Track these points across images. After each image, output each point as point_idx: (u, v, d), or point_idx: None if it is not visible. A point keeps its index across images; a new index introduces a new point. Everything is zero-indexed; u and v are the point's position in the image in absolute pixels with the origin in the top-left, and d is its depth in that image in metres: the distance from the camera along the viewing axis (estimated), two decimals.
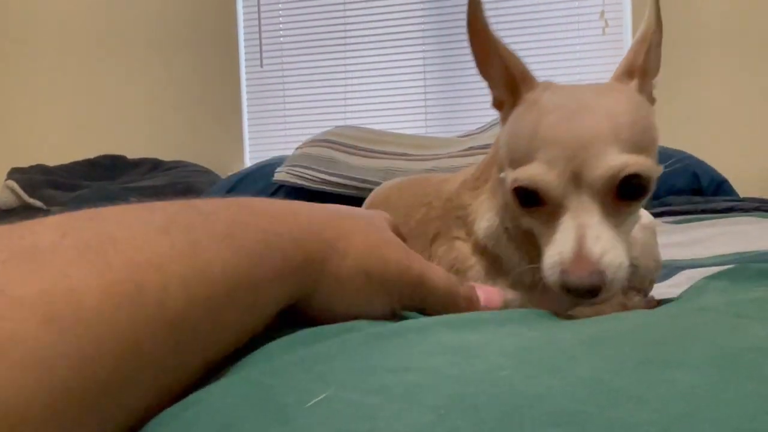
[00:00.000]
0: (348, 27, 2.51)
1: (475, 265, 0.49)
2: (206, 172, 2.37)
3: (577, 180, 0.40)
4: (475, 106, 2.38)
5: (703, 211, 1.38)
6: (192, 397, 0.25)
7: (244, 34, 2.60)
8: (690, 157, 1.77)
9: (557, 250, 0.40)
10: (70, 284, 0.21)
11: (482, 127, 1.92)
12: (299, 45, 2.55)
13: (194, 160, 2.44)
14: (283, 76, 2.57)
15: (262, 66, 2.57)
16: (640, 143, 0.40)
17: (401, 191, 0.66)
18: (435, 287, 0.38)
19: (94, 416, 0.21)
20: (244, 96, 2.60)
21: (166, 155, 2.44)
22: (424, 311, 0.37)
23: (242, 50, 2.59)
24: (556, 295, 0.40)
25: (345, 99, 2.52)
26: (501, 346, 0.27)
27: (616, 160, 0.39)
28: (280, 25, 2.58)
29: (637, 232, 0.48)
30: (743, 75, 2.14)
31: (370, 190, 0.81)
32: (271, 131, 2.60)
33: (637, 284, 0.46)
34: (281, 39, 2.58)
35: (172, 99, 2.60)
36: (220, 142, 2.58)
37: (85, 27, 2.63)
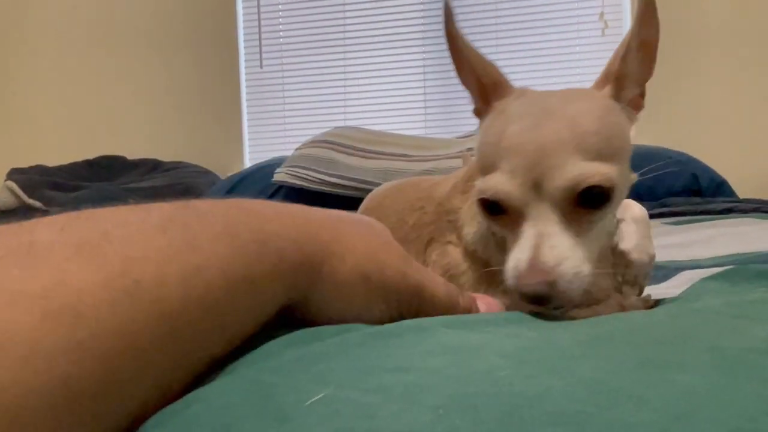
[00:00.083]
0: (348, 28, 2.51)
1: (467, 270, 0.49)
2: (206, 172, 2.37)
3: (537, 189, 0.40)
4: None
5: (703, 212, 1.38)
6: (191, 396, 0.25)
7: (244, 34, 2.60)
8: (689, 157, 1.77)
9: (516, 257, 0.40)
10: (67, 279, 0.22)
11: None
12: (299, 46, 2.55)
13: (194, 161, 2.44)
14: (283, 77, 2.57)
15: (261, 67, 2.57)
16: (605, 151, 0.40)
17: (394, 196, 0.66)
18: (434, 296, 0.37)
19: (93, 411, 0.21)
20: (244, 97, 2.60)
21: (165, 156, 2.44)
22: None
23: (242, 51, 2.59)
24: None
25: (345, 100, 2.52)
26: (500, 346, 0.27)
27: (575, 171, 0.39)
28: (280, 26, 2.58)
29: (628, 225, 0.48)
30: (743, 76, 2.14)
31: (370, 190, 0.81)
32: (270, 132, 2.60)
33: (631, 279, 0.46)
34: (281, 40, 2.58)
35: (172, 99, 2.60)
36: (220, 143, 2.58)
37: (85, 27, 2.63)
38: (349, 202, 1.36)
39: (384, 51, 2.48)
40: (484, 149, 0.44)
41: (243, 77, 2.59)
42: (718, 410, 0.20)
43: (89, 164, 2.41)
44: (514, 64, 2.31)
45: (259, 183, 1.92)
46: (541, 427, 0.19)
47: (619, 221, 0.49)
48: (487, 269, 0.41)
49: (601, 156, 0.40)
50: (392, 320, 0.35)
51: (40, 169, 2.32)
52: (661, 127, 2.13)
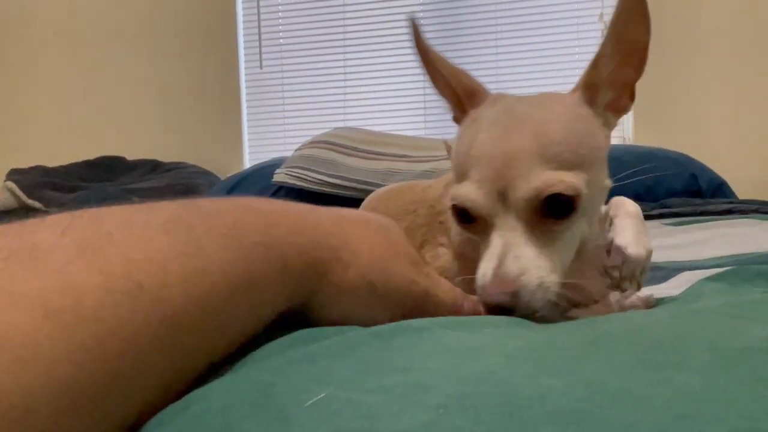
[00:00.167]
0: (347, 29, 2.51)
1: (458, 273, 0.49)
2: (205, 173, 2.37)
3: (503, 199, 0.40)
4: None
5: (702, 213, 1.38)
6: (192, 396, 0.25)
7: (244, 35, 2.59)
8: (689, 158, 1.77)
9: (483, 267, 0.40)
10: (69, 282, 0.22)
11: None
12: (299, 46, 2.55)
13: (193, 162, 2.43)
14: (283, 78, 2.57)
15: (261, 67, 2.57)
16: (571, 159, 0.40)
17: (391, 199, 0.66)
18: (439, 303, 0.37)
19: (94, 412, 0.21)
20: (244, 97, 2.60)
21: (165, 156, 2.44)
22: None
23: (242, 52, 2.59)
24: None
25: (344, 100, 2.52)
26: (500, 346, 0.27)
27: (537, 180, 0.39)
28: (280, 27, 2.58)
29: (622, 220, 0.48)
30: (743, 77, 2.14)
31: (370, 191, 0.81)
32: (270, 132, 2.60)
33: (629, 274, 0.46)
34: (281, 41, 2.58)
35: (172, 100, 2.59)
36: (220, 144, 2.58)
37: (85, 28, 2.63)
38: (348, 202, 1.35)
39: (384, 51, 2.48)
40: (457, 157, 0.44)
41: (243, 78, 2.59)
42: (718, 410, 0.20)
43: (89, 165, 2.41)
44: (514, 64, 2.31)
45: (258, 183, 1.92)
46: (541, 427, 0.19)
47: (612, 218, 0.49)
48: (470, 276, 0.41)
49: (566, 164, 0.40)
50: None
51: (39, 170, 2.31)
52: (661, 127, 2.13)
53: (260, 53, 2.57)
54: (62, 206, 1.96)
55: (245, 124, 2.60)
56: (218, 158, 2.53)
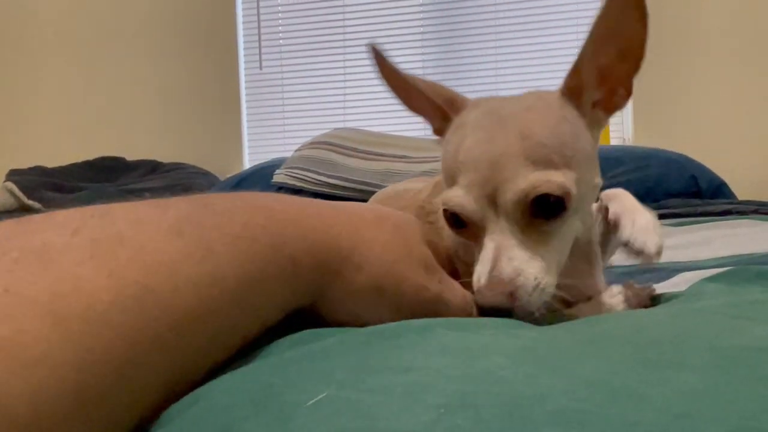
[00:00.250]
0: (347, 29, 2.51)
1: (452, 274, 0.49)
2: (205, 174, 2.37)
3: (492, 202, 0.40)
4: None
5: (702, 214, 1.38)
6: (193, 395, 0.25)
7: (244, 36, 2.60)
8: (688, 159, 1.77)
9: (478, 271, 0.40)
10: (79, 285, 0.21)
11: None
12: (298, 47, 2.56)
13: (193, 162, 2.43)
14: (282, 79, 2.57)
15: (261, 68, 2.57)
16: (557, 159, 0.40)
17: (388, 203, 0.66)
18: (449, 309, 0.37)
19: (101, 416, 0.21)
20: (243, 98, 2.60)
21: (165, 157, 2.44)
22: None
23: (241, 52, 2.59)
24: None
25: (344, 101, 2.52)
26: (501, 346, 0.27)
27: (525, 182, 0.39)
28: (280, 28, 2.58)
29: (628, 218, 0.49)
30: (742, 77, 2.14)
31: (370, 192, 0.81)
32: (270, 133, 2.60)
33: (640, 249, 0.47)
34: (280, 41, 2.58)
35: (171, 101, 2.59)
36: (219, 144, 2.58)
37: (85, 29, 2.63)
38: None
39: (384, 51, 2.48)
40: (445, 162, 0.44)
41: (242, 78, 2.59)
42: (718, 409, 0.20)
43: (89, 165, 2.41)
44: (515, 64, 2.31)
45: (258, 184, 1.92)
46: (542, 426, 0.19)
47: (617, 217, 0.49)
48: (463, 280, 0.41)
49: (553, 164, 0.40)
50: None
51: (39, 170, 2.31)
52: (661, 128, 2.14)
53: (260, 54, 2.57)
54: (62, 207, 1.96)
55: (245, 124, 2.60)
56: (218, 159, 2.53)
